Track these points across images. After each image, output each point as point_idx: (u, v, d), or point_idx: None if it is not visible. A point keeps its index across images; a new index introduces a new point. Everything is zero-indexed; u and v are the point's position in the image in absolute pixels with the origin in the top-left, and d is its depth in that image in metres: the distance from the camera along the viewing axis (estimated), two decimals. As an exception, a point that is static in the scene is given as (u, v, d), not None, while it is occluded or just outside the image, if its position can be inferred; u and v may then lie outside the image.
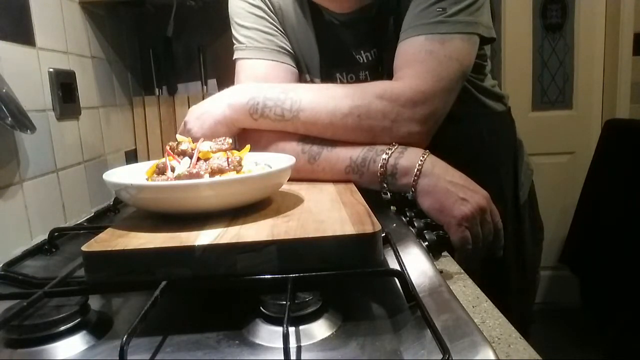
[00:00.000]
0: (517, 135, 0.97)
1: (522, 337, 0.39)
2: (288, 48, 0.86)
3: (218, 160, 0.54)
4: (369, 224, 0.45)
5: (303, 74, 0.89)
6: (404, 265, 0.44)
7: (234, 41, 0.87)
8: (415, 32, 0.72)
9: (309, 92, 0.71)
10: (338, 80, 0.88)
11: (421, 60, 0.70)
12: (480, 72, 0.88)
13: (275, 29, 0.85)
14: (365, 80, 0.86)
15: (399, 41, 0.74)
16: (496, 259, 0.68)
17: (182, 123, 0.76)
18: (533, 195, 0.98)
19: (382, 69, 0.83)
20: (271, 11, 0.85)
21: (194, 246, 0.41)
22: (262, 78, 0.82)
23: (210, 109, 0.74)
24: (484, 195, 0.65)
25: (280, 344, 0.32)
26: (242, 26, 0.85)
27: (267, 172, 0.54)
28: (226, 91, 0.76)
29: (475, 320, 0.37)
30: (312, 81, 0.89)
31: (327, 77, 0.88)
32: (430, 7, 0.71)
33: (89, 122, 1.02)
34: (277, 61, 0.84)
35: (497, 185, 0.83)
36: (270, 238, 0.42)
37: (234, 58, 0.87)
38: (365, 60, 0.85)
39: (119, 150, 1.19)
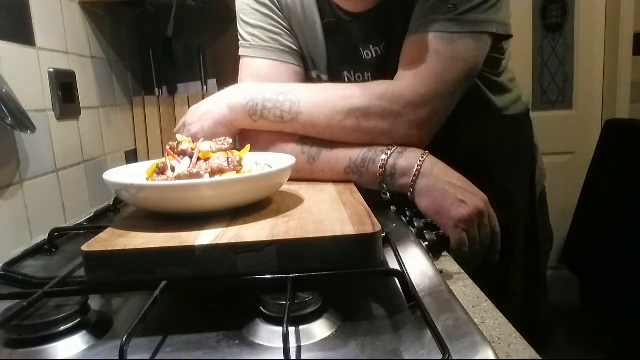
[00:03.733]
0: (534, 139, 0.92)
1: (522, 337, 0.39)
2: (294, 47, 0.84)
3: (218, 160, 0.54)
4: (369, 224, 0.45)
5: (310, 71, 0.87)
6: (404, 265, 0.44)
7: (239, 37, 0.86)
8: (423, 28, 0.69)
9: (307, 93, 0.71)
10: (345, 78, 0.86)
11: (426, 60, 0.68)
12: (496, 67, 0.82)
13: (281, 27, 0.84)
14: (368, 80, 0.85)
15: (407, 35, 0.72)
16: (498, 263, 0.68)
17: (181, 123, 0.76)
18: (544, 201, 0.95)
19: (389, 64, 0.80)
20: (277, 8, 0.83)
21: (194, 246, 0.41)
22: (265, 77, 0.81)
23: (211, 109, 0.73)
24: (482, 198, 0.64)
25: (280, 344, 0.32)
26: (247, 23, 0.84)
27: (267, 172, 0.54)
28: (226, 91, 0.75)
29: (475, 320, 0.37)
30: (319, 78, 0.87)
31: (334, 74, 0.86)
32: (442, 3, 0.68)
33: (89, 122, 1.02)
34: (281, 61, 0.83)
35: (506, 194, 0.80)
36: (270, 238, 0.42)
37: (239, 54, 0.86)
38: (374, 55, 0.82)
39: (119, 150, 1.19)
